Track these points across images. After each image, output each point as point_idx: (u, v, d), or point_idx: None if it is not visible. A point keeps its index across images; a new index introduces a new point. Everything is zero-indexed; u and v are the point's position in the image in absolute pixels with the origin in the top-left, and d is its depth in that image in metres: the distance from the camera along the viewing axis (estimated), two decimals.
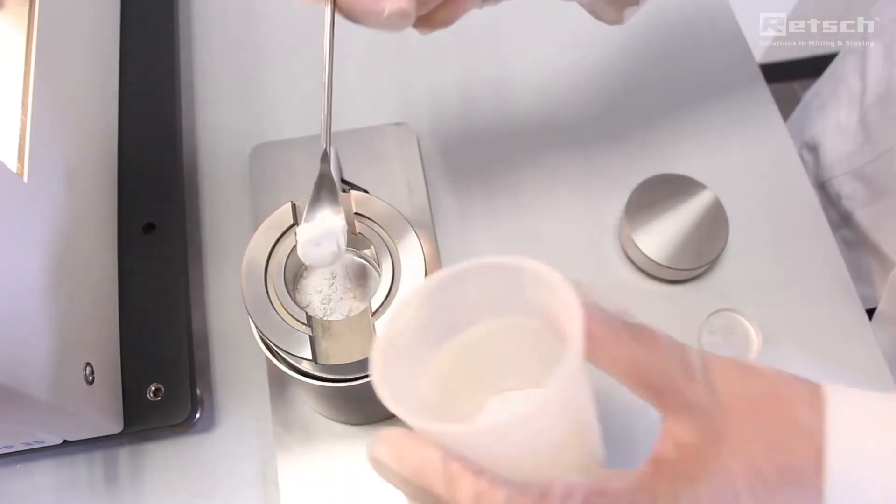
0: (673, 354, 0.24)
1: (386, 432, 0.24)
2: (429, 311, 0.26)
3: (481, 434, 0.23)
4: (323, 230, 0.32)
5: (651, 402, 0.25)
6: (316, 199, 0.33)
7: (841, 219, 0.62)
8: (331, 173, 0.33)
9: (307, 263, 0.33)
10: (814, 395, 0.24)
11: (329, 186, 0.33)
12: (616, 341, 0.24)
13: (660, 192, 0.49)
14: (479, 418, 0.31)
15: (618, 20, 0.38)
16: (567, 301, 0.23)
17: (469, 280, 0.26)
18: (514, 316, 0.27)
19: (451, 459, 0.22)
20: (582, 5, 0.38)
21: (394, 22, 0.31)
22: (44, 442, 0.39)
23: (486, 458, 0.23)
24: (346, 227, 0.33)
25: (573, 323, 0.23)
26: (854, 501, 0.22)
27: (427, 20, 0.34)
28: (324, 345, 0.33)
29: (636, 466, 0.24)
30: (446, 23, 0.34)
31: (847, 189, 0.60)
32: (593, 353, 0.24)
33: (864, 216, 0.59)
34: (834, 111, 0.62)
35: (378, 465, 0.24)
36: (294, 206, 0.36)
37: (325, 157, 0.33)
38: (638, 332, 0.24)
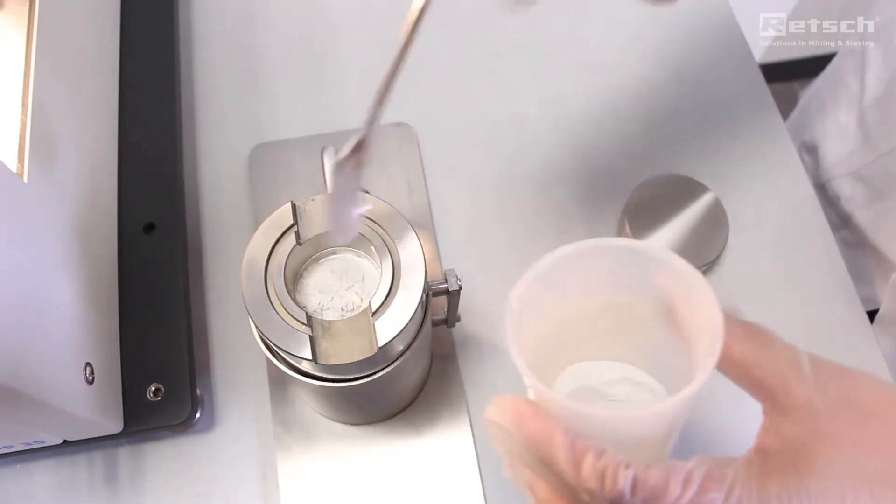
0: (785, 354, 0.25)
1: (505, 398, 0.25)
2: (549, 282, 0.28)
3: (633, 419, 0.25)
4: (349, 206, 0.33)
5: (759, 399, 0.26)
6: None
7: (840, 220, 0.61)
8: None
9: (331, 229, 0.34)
10: None
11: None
12: (731, 337, 0.25)
13: (660, 192, 0.49)
14: (555, 387, 0.33)
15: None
16: (707, 300, 0.25)
17: (594, 258, 0.27)
18: (623, 295, 0.29)
19: (577, 436, 0.24)
20: None
21: None
22: (44, 442, 0.39)
23: (597, 433, 0.24)
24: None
25: (714, 324, 0.24)
26: None
27: None
28: (324, 345, 0.33)
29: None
30: None
31: (846, 190, 0.60)
32: None
33: (863, 217, 0.59)
34: (833, 112, 0.61)
35: (494, 428, 0.25)
36: (294, 206, 0.36)
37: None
38: (751, 330, 0.26)
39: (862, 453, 0.24)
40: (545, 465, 0.24)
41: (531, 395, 0.27)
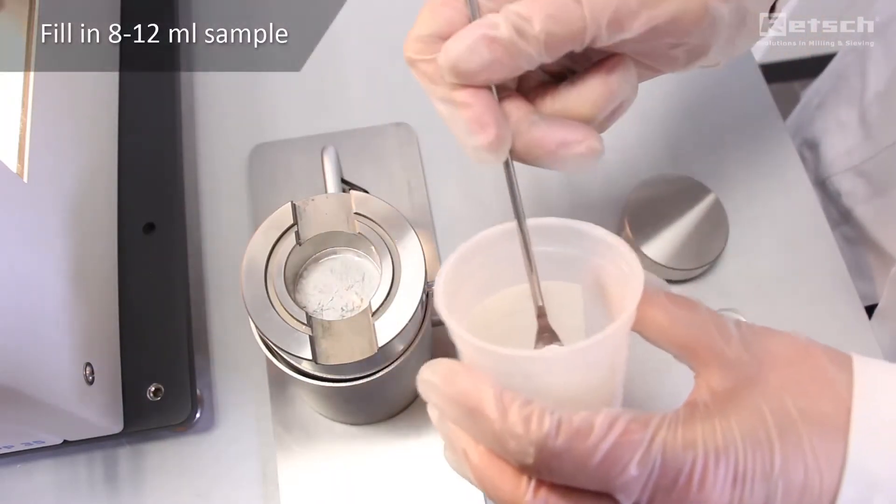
0: (710, 317, 0.27)
1: (438, 361, 0.26)
2: (482, 261, 0.29)
3: (547, 360, 0.26)
4: None
5: (687, 361, 0.27)
6: None
7: (841, 216, 0.61)
8: None
9: None
10: (842, 357, 0.26)
11: None
12: (658, 306, 0.27)
13: (660, 192, 0.49)
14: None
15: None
16: (632, 263, 0.26)
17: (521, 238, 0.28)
18: (554, 280, 0.29)
19: (504, 389, 0.24)
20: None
21: (585, 162, 0.31)
22: (44, 442, 0.39)
23: (529, 390, 0.25)
24: None
25: (635, 278, 0.26)
26: (876, 444, 0.24)
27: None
28: (324, 345, 0.33)
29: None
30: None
31: (847, 186, 0.60)
32: (639, 318, 0.27)
33: (863, 213, 0.59)
34: (834, 109, 0.62)
35: (427, 386, 0.26)
36: (294, 206, 0.36)
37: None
38: (677, 299, 0.27)
39: (787, 395, 0.24)
40: (472, 417, 0.24)
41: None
